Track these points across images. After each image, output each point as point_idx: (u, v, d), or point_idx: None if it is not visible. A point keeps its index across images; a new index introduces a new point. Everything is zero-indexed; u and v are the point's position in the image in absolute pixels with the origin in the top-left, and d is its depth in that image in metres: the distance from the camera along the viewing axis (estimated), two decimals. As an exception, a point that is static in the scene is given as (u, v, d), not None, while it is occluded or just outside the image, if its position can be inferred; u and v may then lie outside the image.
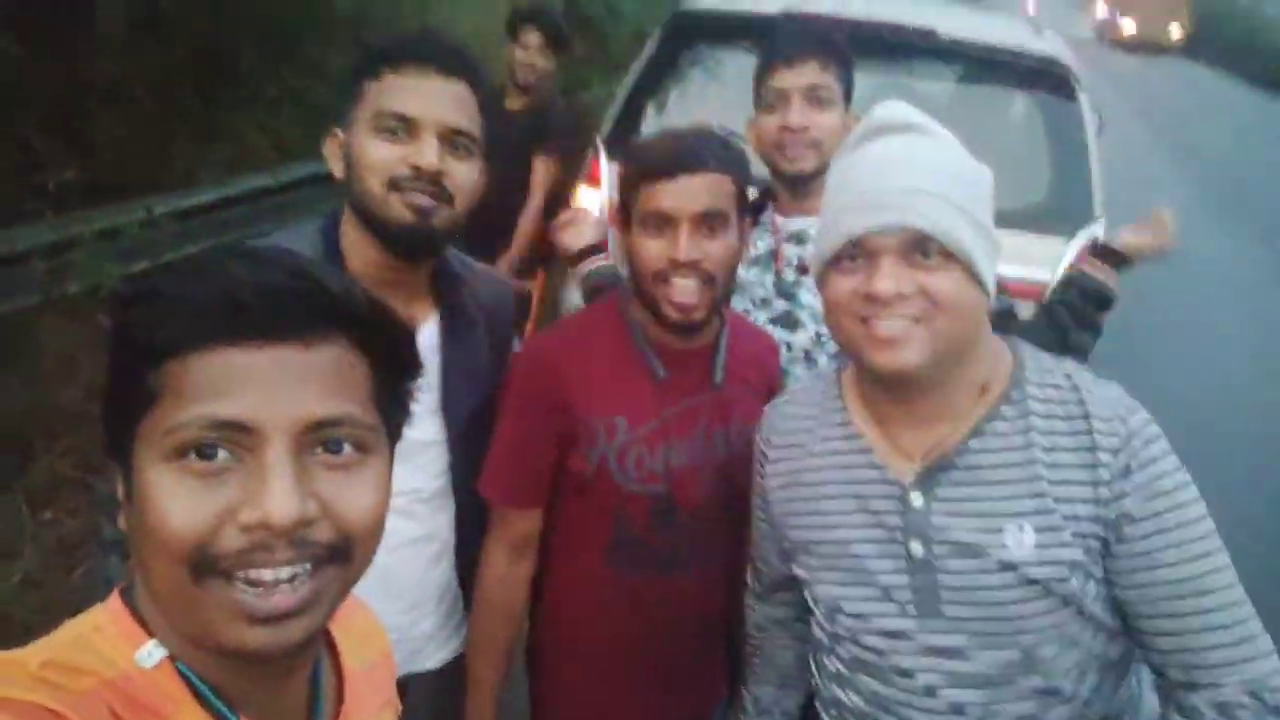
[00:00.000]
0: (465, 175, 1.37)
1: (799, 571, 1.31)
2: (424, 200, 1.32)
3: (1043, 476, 1.11)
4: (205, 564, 0.64)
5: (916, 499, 1.17)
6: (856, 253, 1.12)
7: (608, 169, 3.50)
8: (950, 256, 1.09)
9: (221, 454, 0.65)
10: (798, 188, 1.84)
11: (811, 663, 1.36)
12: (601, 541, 1.51)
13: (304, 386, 0.66)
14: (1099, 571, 1.10)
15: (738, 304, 1.91)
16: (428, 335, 1.43)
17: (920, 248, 1.08)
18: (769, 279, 1.91)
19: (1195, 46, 27.97)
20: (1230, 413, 5.37)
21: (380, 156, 1.32)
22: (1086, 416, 1.11)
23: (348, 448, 0.69)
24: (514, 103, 3.80)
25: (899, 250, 1.09)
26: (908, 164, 1.11)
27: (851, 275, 1.12)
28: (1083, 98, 3.13)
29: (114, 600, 0.72)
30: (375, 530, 0.72)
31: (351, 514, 0.69)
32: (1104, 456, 1.09)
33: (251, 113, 5.26)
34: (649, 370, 1.49)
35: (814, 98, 1.82)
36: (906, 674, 1.18)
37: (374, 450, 0.72)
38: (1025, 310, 2.98)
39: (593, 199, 3.51)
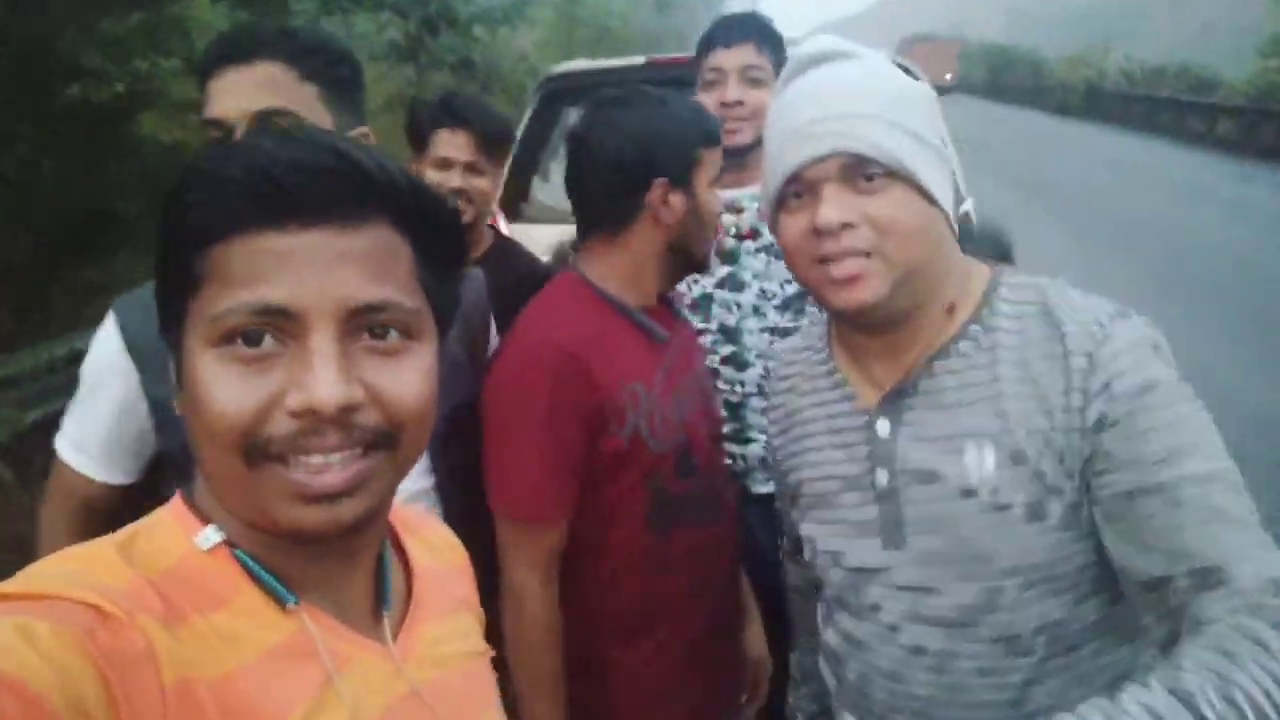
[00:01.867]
0: None
1: (793, 514, 1.29)
2: None
3: (1006, 394, 1.04)
4: (257, 449, 0.65)
5: (882, 427, 1.13)
6: (800, 188, 1.08)
7: (505, 231, 3.67)
8: (894, 176, 1.04)
9: (267, 340, 0.64)
10: (735, 161, 1.95)
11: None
12: (640, 512, 1.48)
13: (346, 270, 0.66)
14: (1071, 492, 1.01)
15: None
16: None
17: (861, 171, 1.04)
18: (713, 324, 2.04)
19: (971, 85, 37.60)
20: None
21: None
22: (1058, 325, 1.04)
23: (394, 333, 0.69)
24: None
25: (839, 177, 1.05)
26: (837, 90, 1.08)
27: (799, 213, 1.09)
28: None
29: (175, 498, 0.73)
30: (423, 417, 0.71)
31: (398, 400, 0.68)
32: (1076, 361, 1.01)
33: (130, 257, 5.22)
34: (643, 333, 1.50)
35: (749, 77, 1.97)
36: (875, 609, 1.15)
37: (420, 336, 0.71)
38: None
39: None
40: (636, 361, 1.48)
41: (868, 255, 1.04)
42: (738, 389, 2.01)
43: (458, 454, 1.48)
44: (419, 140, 2.19)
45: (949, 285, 1.11)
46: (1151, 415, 0.95)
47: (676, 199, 1.48)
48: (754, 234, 2.01)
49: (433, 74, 7.76)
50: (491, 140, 2.15)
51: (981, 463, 1.04)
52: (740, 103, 1.98)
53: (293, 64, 1.31)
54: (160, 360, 0.88)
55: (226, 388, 0.64)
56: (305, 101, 1.31)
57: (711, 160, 1.50)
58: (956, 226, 1.12)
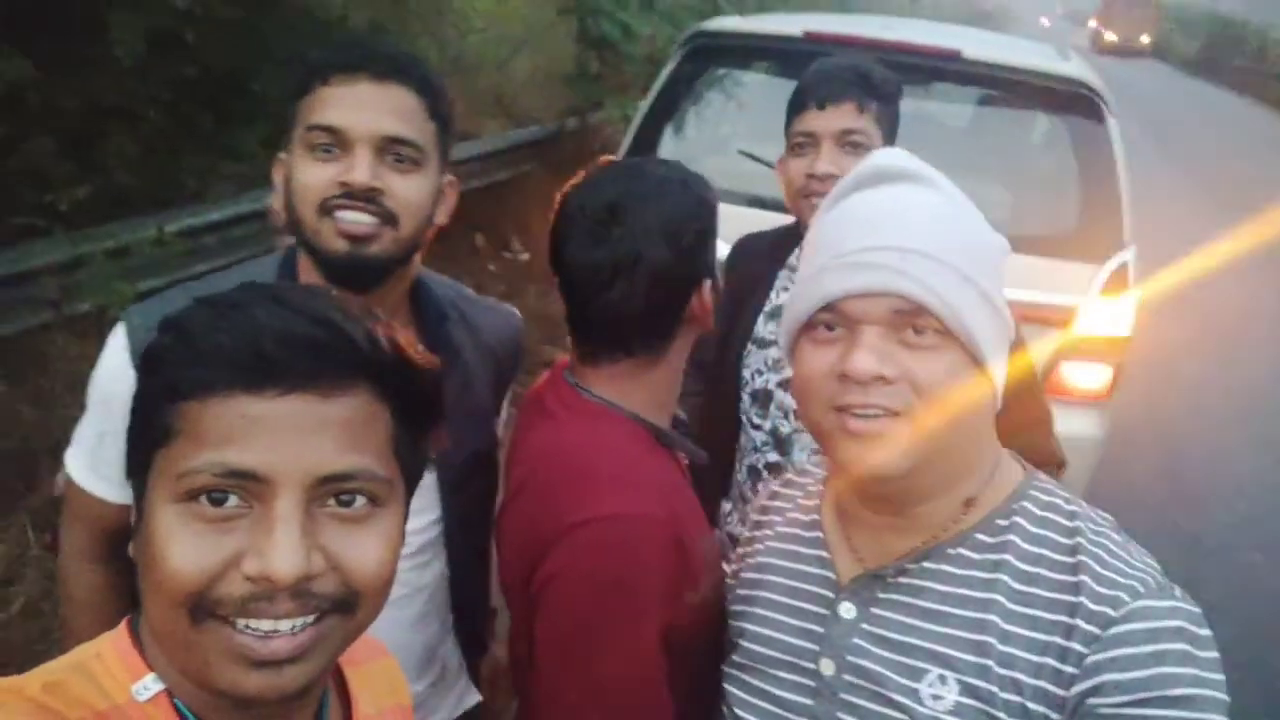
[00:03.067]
0: (411, 191, 1.21)
1: (724, 667, 1.12)
2: (358, 225, 1.18)
3: (995, 628, 0.89)
4: (204, 608, 0.64)
5: (846, 609, 0.98)
6: (835, 320, 0.93)
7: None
8: (948, 335, 0.89)
9: (232, 500, 0.65)
10: None
11: None
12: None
13: (321, 438, 0.66)
14: None
15: (753, 362, 1.84)
16: None
17: (911, 321, 0.89)
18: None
19: (1181, 56, 36.97)
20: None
21: (310, 178, 1.18)
22: (1077, 575, 0.88)
23: (360, 500, 0.68)
24: None
25: (886, 321, 0.90)
26: (905, 218, 0.92)
27: (827, 348, 0.93)
28: (1111, 122, 3.06)
29: (120, 629, 0.73)
30: (383, 584, 0.71)
31: (359, 568, 0.68)
32: (1085, 629, 0.85)
33: (263, 132, 5.24)
34: (689, 466, 1.26)
35: (847, 142, 1.69)
36: None
37: (387, 502, 0.71)
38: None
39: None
40: (699, 512, 1.21)
41: (896, 415, 0.89)
42: None
43: (467, 501, 1.41)
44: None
45: (974, 477, 0.96)
46: None
47: (710, 292, 1.24)
48: None
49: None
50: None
51: (939, 698, 0.89)
52: (833, 175, 1.64)
53: (423, 96, 1.23)
54: None
55: (184, 546, 0.64)
56: (428, 139, 1.24)
57: None
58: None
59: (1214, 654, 0.83)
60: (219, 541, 0.64)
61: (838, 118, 1.70)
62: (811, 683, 0.99)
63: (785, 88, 3.74)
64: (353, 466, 0.67)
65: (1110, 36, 39.19)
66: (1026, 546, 0.92)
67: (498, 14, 8.68)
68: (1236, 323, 7.17)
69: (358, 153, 1.17)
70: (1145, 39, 38.88)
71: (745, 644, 1.08)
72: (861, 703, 0.95)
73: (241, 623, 0.64)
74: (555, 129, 7.26)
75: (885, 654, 0.94)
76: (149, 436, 0.67)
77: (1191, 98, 24.84)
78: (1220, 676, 0.82)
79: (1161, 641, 0.82)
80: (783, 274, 1.88)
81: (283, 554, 0.63)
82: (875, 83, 1.73)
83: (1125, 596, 0.84)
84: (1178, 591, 0.87)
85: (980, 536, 0.94)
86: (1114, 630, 0.83)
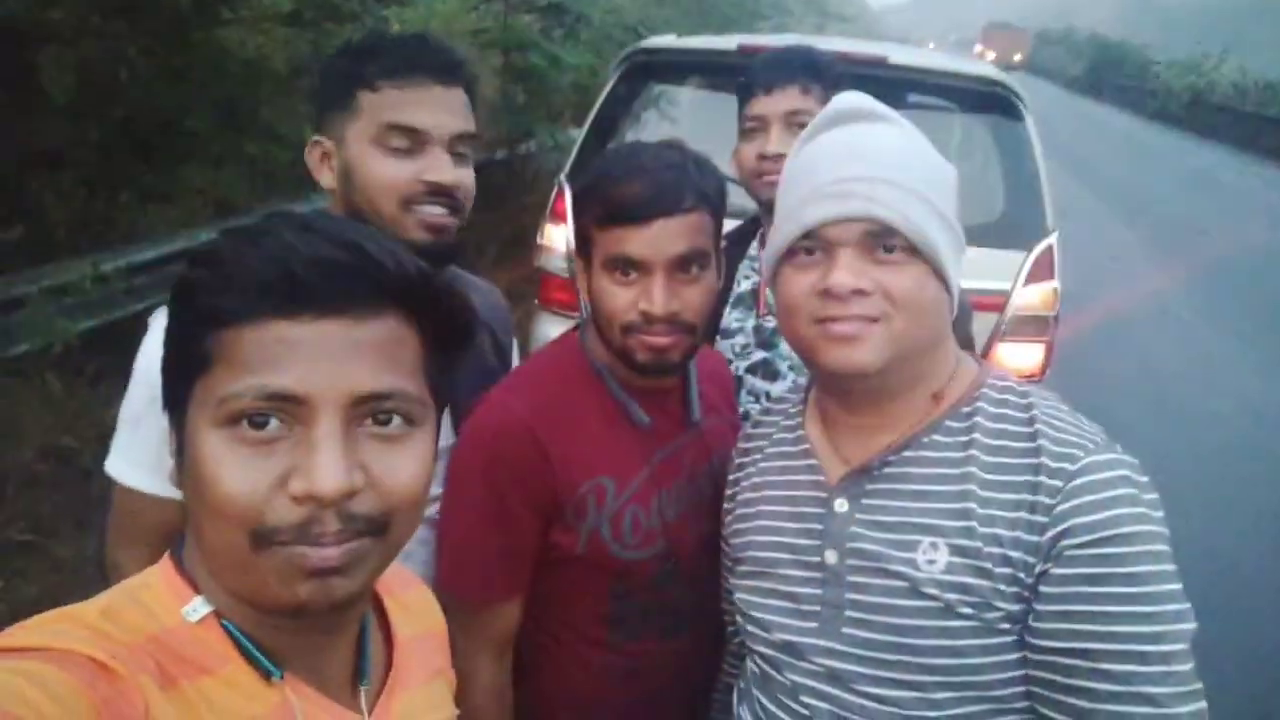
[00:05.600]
0: (470, 181, 1.36)
1: (731, 579, 1.24)
2: (440, 217, 1.31)
3: (974, 495, 1.00)
4: (264, 537, 0.66)
5: (840, 504, 1.09)
6: (814, 245, 1.03)
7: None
8: (914, 252, 1.00)
9: (273, 423, 0.66)
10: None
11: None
12: (599, 616, 1.34)
13: (355, 360, 0.68)
14: (1017, 608, 0.97)
15: (721, 353, 1.87)
16: None
17: (882, 241, 1.00)
18: (749, 324, 1.89)
19: (1069, 78, 42.05)
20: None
21: (391, 175, 1.29)
22: (1035, 441, 0.99)
23: (396, 420, 0.71)
24: None
25: (859, 243, 1.01)
26: (870, 152, 1.03)
27: (807, 271, 1.04)
28: (1028, 118, 3.29)
29: (164, 561, 0.74)
30: (417, 501, 0.74)
31: (395, 485, 0.70)
32: (1049, 482, 0.96)
33: (196, 170, 5.19)
34: (629, 418, 1.32)
35: (794, 123, 1.76)
36: (793, 693, 1.10)
37: (421, 422, 0.73)
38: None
39: (559, 235, 3.55)
40: (614, 451, 1.30)
41: (874, 321, 1.01)
42: None
43: None
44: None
45: (939, 374, 1.08)
46: (1106, 563, 0.92)
47: (584, 272, 1.38)
48: None
49: (521, 14, 7.57)
50: None
51: (932, 562, 1.00)
52: (783, 156, 1.66)
53: (468, 91, 1.37)
54: None
55: (231, 469, 0.66)
56: (473, 125, 1.37)
57: (612, 239, 1.30)
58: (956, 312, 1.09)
59: (1154, 495, 0.96)
60: (264, 463, 0.66)
61: (784, 100, 1.78)
62: (819, 574, 1.09)
63: (721, 101, 3.93)
64: (388, 386, 0.69)
65: (990, 55, 47.16)
66: (990, 424, 1.03)
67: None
68: (1142, 308, 7.67)
69: (436, 153, 1.30)
70: (1018, 57, 48.18)
71: (753, 553, 1.19)
72: (865, 580, 1.05)
73: (299, 549, 0.67)
74: (484, 160, 7.35)
75: (880, 535, 1.05)
76: (187, 366, 0.68)
77: (1078, 113, 26.31)
78: (1160, 514, 0.95)
79: (1114, 489, 0.93)
80: (744, 264, 1.97)
81: (326, 470, 0.65)
82: (818, 66, 1.82)
83: (1079, 453, 0.96)
84: (1118, 447, 0.99)
85: (950, 423, 1.05)
86: (1075, 482, 0.94)
